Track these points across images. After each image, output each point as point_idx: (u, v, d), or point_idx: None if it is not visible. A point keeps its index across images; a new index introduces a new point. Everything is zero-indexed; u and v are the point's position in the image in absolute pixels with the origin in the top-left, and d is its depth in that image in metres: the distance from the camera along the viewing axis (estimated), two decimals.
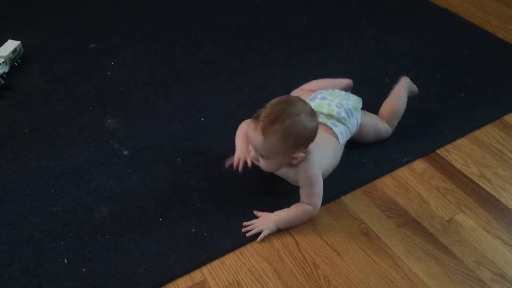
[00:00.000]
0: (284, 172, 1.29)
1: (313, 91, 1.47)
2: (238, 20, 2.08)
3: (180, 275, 1.16)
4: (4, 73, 1.67)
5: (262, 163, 1.23)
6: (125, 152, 1.46)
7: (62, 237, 1.22)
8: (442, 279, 1.17)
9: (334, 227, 1.28)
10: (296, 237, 1.26)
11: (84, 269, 1.15)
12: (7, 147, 1.46)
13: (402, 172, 1.43)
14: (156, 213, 1.28)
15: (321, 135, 1.28)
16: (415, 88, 1.60)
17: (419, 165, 1.46)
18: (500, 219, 1.31)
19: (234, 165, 1.30)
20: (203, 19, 2.08)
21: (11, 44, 1.73)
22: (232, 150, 1.34)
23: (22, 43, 1.78)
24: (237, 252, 1.22)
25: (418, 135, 1.55)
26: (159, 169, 1.40)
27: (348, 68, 1.83)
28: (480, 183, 1.41)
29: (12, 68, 1.72)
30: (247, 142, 1.29)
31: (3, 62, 1.67)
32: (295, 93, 1.49)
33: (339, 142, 1.34)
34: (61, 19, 2.06)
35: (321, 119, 1.34)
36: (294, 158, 1.20)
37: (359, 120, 1.41)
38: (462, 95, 1.71)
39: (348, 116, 1.37)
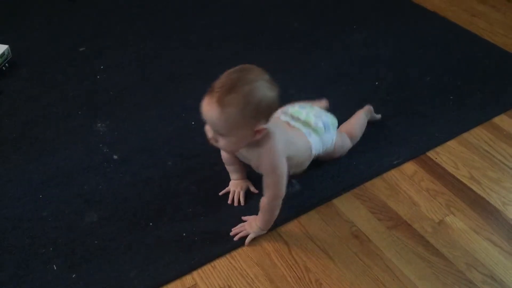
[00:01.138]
0: (246, 154, 1.19)
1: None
2: (228, 23, 2.08)
3: (171, 279, 1.15)
4: None
5: (222, 143, 1.12)
6: (115, 156, 1.45)
7: (51, 243, 1.20)
8: (432, 281, 1.17)
9: (325, 230, 1.28)
10: (287, 241, 1.25)
11: (73, 275, 1.14)
12: None
13: (393, 174, 1.44)
14: (147, 217, 1.28)
15: (292, 130, 1.27)
16: (374, 116, 1.59)
17: (409, 167, 1.46)
18: (490, 220, 1.32)
19: (229, 201, 1.32)
20: (193, 22, 2.08)
21: None
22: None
23: (10, 47, 1.76)
24: (228, 256, 1.21)
25: (408, 137, 1.55)
26: (150, 173, 1.40)
27: (338, 71, 1.84)
28: (470, 185, 1.41)
29: None
30: (240, 169, 1.31)
31: None
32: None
33: (311, 150, 1.30)
34: (49, 22, 2.04)
35: (296, 124, 1.29)
36: (256, 132, 1.10)
37: (333, 141, 1.37)
38: (451, 97, 1.72)
39: (325, 129, 1.33)
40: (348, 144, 1.45)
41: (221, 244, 1.23)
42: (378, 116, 1.60)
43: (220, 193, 1.34)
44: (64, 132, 1.53)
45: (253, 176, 1.33)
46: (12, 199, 1.31)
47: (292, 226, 1.29)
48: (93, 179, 1.38)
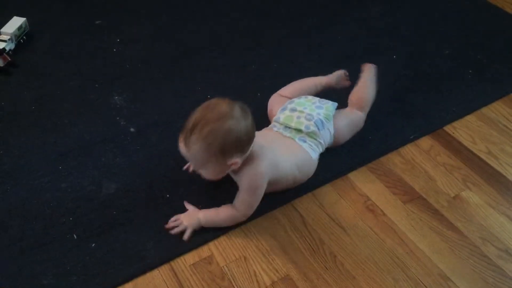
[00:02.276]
0: (232, 176, 1.22)
1: (288, 98, 1.40)
2: None
3: (188, 250, 1.18)
4: (10, 50, 1.67)
5: (202, 173, 1.19)
6: (132, 129, 1.46)
7: (71, 213, 1.23)
8: (447, 255, 1.18)
9: (340, 203, 1.29)
10: (302, 214, 1.26)
11: (93, 244, 1.16)
12: (15, 124, 1.46)
13: (409, 149, 1.43)
14: (163, 189, 1.29)
15: (284, 144, 1.26)
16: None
17: (425, 142, 1.45)
18: (506, 195, 1.31)
19: (185, 167, 1.32)
20: None
21: (17, 21, 1.72)
22: None
23: (27, 20, 1.77)
24: (243, 228, 1.23)
25: (425, 112, 1.54)
26: (166, 146, 1.41)
27: (355, 44, 1.81)
28: (487, 160, 1.40)
29: (18, 45, 1.71)
30: None
31: (9, 39, 1.67)
32: (272, 99, 1.44)
33: (311, 157, 1.28)
34: None
35: (288, 133, 1.29)
36: (231, 165, 1.12)
37: (332, 131, 1.34)
38: (470, 71, 1.69)
39: (319, 129, 1.30)
40: (359, 118, 1.42)
41: None
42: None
43: (184, 168, 1.32)
44: (81, 105, 1.54)
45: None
46: (32, 170, 1.33)
47: (306, 200, 1.30)
48: (110, 152, 1.39)
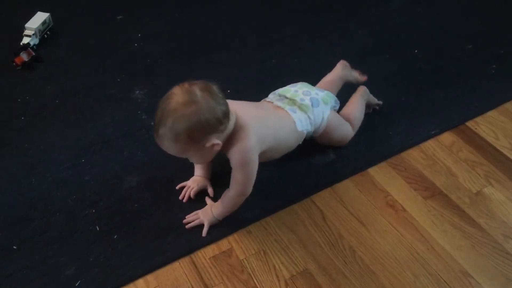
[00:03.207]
0: (227, 156, 1.18)
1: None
2: None
3: (208, 243, 1.19)
4: (34, 44, 1.70)
5: (190, 159, 1.17)
6: (153, 123, 1.47)
7: (94, 206, 1.25)
8: (468, 251, 1.17)
9: (359, 198, 1.29)
10: (321, 208, 1.26)
11: (115, 236, 1.18)
12: (39, 118, 1.49)
13: (430, 145, 1.42)
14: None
15: (274, 114, 1.24)
16: (373, 99, 1.49)
17: (447, 137, 1.44)
18: None
19: (180, 196, 1.27)
20: None
21: (41, 16, 1.75)
22: None
23: (51, 15, 1.80)
24: (263, 222, 1.24)
25: (447, 107, 1.52)
26: None
27: (375, 39, 1.80)
28: (510, 156, 1.38)
29: (41, 40, 1.74)
30: (206, 167, 1.29)
31: (33, 34, 1.70)
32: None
33: (296, 128, 1.24)
34: None
35: (280, 103, 1.27)
36: (212, 146, 1.09)
37: (326, 117, 1.30)
38: (493, 66, 1.66)
39: (313, 106, 1.27)
40: (348, 129, 1.37)
41: (256, 209, 1.25)
42: (379, 102, 1.50)
43: (177, 187, 1.29)
44: (103, 99, 1.56)
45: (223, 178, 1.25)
46: (56, 163, 1.36)
47: (326, 194, 1.30)
48: (132, 145, 1.41)
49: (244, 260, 1.16)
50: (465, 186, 1.31)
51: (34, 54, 1.66)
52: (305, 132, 1.27)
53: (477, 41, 1.77)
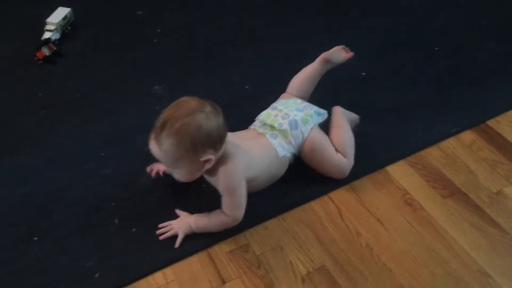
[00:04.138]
0: (209, 179, 1.22)
1: (293, 95, 1.38)
2: None
3: (225, 238, 1.19)
4: (56, 39, 1.72)
5: (175, 174, 1.17)
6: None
7: (113, 199, 1.26)
8: (487, 251, 1.16)
9: (377, 196, 1.28)
10: (339, 206, 1.26)
11: (134, 229, 1.20)
12: (60, 112, 1.51)
13: (450, 143, 1.40)
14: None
15: (257, 142, 1.23)
16: (352, 114, 1.40)
17: (467, 136, 1.42)
18: None
19: (147, 169, 1.29)
20: None
21: (62, 11, 1.77)
22: None
23: (72, 10, 1.81)
24: (280, 218, 1.24)
25: (467, 105, 1.51)
26: None
27: (394, 36, 1.79)
28: None
29: (62, 35, 1.76)
30: None
31: (54, 29, 1.72)
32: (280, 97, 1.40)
33: (278, 155, 1.23)
34: None
35: (262, 129, 1.27)
36: (205, 162, 1.11)
37: (306, 135, 1.27)
38: None
39: (291, 129, 1.26)
40: (339, 157, 1.28)
41: (272, 205, 1.25)
42: (357, 116, 1.40)
43: (147, 170, 1.30)
44: (122, 94, 1.58)
45: None
46: (76, 157, 1.38)
47: (343, 192, 1.29)
48: None
49: (261, 255, 1.16)
50: (485, 185, 1.30)
51: (55, 49, 1.68)
52: (288, 155, 1.26)
53: (499, 38, 1.75)
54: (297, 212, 1.25)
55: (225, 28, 1.84)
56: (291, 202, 1.27)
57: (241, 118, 1.36)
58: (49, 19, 1.74)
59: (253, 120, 1.36)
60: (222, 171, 1.14)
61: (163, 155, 1.10)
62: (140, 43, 1.78)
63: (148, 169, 1.30)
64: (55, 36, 1.72)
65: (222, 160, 1.14)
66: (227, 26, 1.85)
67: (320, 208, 1.26)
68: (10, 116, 1.49)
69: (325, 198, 1.28)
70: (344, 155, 1.30)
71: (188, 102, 1.11)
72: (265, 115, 1.32)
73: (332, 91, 1.52)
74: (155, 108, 1.52)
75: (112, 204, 1.25)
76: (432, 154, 1.38)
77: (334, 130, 1.33)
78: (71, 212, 1.24)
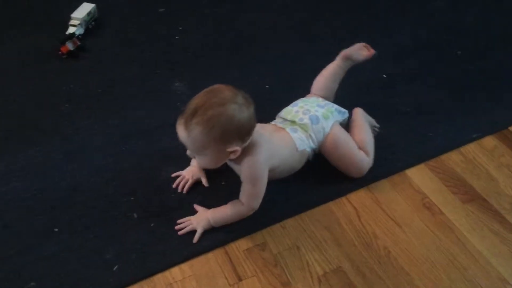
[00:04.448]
0: (232, 166, 1.21)
1: (318, 95, 1.38)
2: None
3: (242, 236, 1.20)
4: (79, 34, 1.74)
5: (198, 160, 1.17)
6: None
7: (132, 193, 1.28)
8: (507, 258, 1.14)
9: (396, 199, 1.27)
10: (356, 207, 1.26)
11: (152, 224, 1.21)
12: (83, 106, 1.53)
13: (471, 148, 1.39)
14: (221, 176, 1.31)
15: (278, 135, 1.23)
16: (370, 118, 1.40)
17: (489, 141, 1.41)
18: None
19: (174, 185, 1.28)
20: None
21: (86, 7, 1.79)
22: None
23: (96, 6, 1.83)
24: (297, 218, 1.24)
25: (489, 111, 1.49)
26: None
27: (417, 39, 1.77)
28: None
29: (86, 30, 1.79)
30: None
31: (79, 24, 1.74)
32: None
33: (296, 148, 1.23)
34: None
35: (282, 124, 1.27)
36: (230, 152, 1.11)
37: (327, 130, 1.27)
38: None
39: (312, 123, 1.25)
40: (360, 154, 1.29)
41: (290, 205, 1.26)
42: (376, 124, 1.39)
43: (173, 175, 1.30)
44: (144, 90, 1.59)
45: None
46: (97, 150, 1.39)
47: (361, 194, 1.29)
48: (170, 136, 1.40)
49: (278, 254, 1.16)
50: (506, 191, 1.28)
51: (79, 43, 1.70)
52: (308, 149, 1.26)
53: None
54: (314, 212, 1.25)
55: (247, 27, 1.85)
56: (309, 202, 1.27)
57: (257, 118, 1.35)
58: (74, 14, 1.76)
59: (271, 120, 1.36)
60: (247, 161, 1.13)
61: (190, 141, 1.09)
62: (162, 40, 1.79)
63: (175, 185, 1.29)
64: (79, 31, 1.74)
65: (247, 150, 1.13)
66: (249, 24, 1.86)
67: (337, 209, 1.25)
68: (34, 109, 1.52)
69: (343, 199, 1.28)
70: (366, 154, 1.30)
71: (222, 91, 1.09)
72: (285, 112, 1.31)
73: (353, 93, 1.52)
74: (176, 104, 1.53)
75: (132, 198, 1.27)
76: (453, 159, 1.37)
77: (356, 129, 1.34)
78: (91, 204, 1.26)
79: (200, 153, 1.13)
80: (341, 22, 1.86)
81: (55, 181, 1.31)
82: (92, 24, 1.81)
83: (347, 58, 1.39)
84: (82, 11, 1.77)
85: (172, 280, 1.11)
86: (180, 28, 1.84)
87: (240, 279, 1.12)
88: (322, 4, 1.95)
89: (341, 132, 1.30)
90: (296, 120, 1.27)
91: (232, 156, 1.12)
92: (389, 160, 1.36)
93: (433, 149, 1.39)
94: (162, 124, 1.47)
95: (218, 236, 1.19)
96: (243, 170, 1.15)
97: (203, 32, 1.82)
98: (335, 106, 1.34)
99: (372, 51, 1.40)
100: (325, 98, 1.37)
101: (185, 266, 1.14)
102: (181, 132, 1.10)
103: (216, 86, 1.12)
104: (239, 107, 1.08)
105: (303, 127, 1.26)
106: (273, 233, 1.21)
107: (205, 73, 1.65)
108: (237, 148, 1.10)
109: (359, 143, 1.31)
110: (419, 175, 1.33)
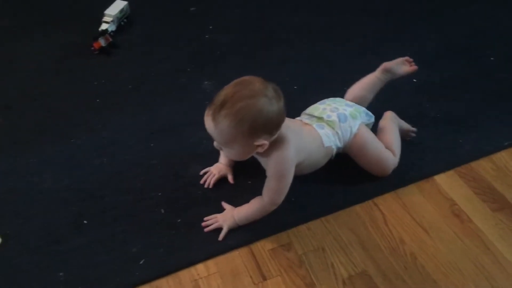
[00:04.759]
0: (260, 160, 1.20)
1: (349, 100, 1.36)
2: None
3: (267, 235, 1.20)
4: (112, 31, 1.77)
5: (225, 152, 1.15)
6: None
7: (160, 189, 1.29)
8: None
9: (424, 205, 1.26)
10: (384, 212, 1.25)
11: (179, 220, 1.22)
12: (113, 101, 1.55)
13: (502, 156, 1.37)
14: (247, 174, 1.32)
15: (305, 129, 1.22)
16: (405, 124, 1.38)
17: None
18: None
19: (201, 181, 1.29)
20: None
21: (119, 4, 1.82)
22: None
23: (128, 3, 1.86)
24: (323, 219, 1.23)
25: None
26: None
27: (449, 43, 1.75)
28: None
29: (118, 27, 1.81)
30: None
31: (111, 21, 1.77)
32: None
33: (323, 144, 1.22)
34: None
35: (309, 121, 1.25)
36: (258, 146, 1.09)
37: (354, 130, 1.25)
38: None
39: (340, 121, 1.24)
40: (387, 153, 1.28)
41: (316, 206, 1.25)
42: (412, 128, 1.38)
43: (201, 172, 1.31)
44: (173, 87, 1.61)
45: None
46: (126, 145, 1.41)
47: (389, 198, 1.28)
48: (198, 134, 1.43)
49: (303, 255, 1.16)
50: None
51: (111, 40, 1.73)
52: (333, 147, 1.24)
53: None
54: (341, 215, 1.24)
55: (277, 27, 1.85)
56: (335, 204, 1.26)
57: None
58: (107, 11, 1.79)
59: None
60: (275, 155, 1.12)
61: (217, 133, 1.08)
62: (192, 38, 1.81)
63: (202, 181, 1.30)
64: (111, 27, 1.77)
65: (276, 144, 1.12)
66: (279, 24, 1.86)
67: (364, 213, 1.25)
68: (67, 103, 1.55)
69: (369, 202, 1.27)
70: (393, 153, 1.29)
71: (252, 83, 1.07)
72: (312, 108, 1.30)
73: (383, 97, 1.50)
74: (204, 103, 1.51)
75: (159, 194, 1.28)
76: (483, 166, 1.35)
77: (383, 130, 1.33)
78: (120, 199, 1.27)
79: (227, 146, 1.11)
80: (373, 25, 1.85)
81: (85, 174, 1.33)
82: (124, 21, 1.84)
83: (387, 71, 1.38)
84: (115, 8, 1.80)
85: (197, 276, 1.12)
86: (210, 27, 1.85)
87: (264, 279, 1.12)
88: (353, 6, 1.94)
89: (368, 133, 1.29)
90: (324, 116, 1.26)
91: (260, 150, 1.10)
92: (418, 165, 1.34)
93: (463, 156, 1.37)
94: (191, 122, 1.48)
95: (243, 235, 1.19)
96: (269, 164, 1.14)
97: (233, 32, 1.83)
98: (363, 108, 1.33)
99: (414, 67, 1.39)
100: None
101: (210, 263, 1.15)
102: (209, 123, 1.08)
103: (247, 77, 1.09)
104: (269, 100, 1.05)
105: (330, 124, 1.24)
106: (298, 234, 1.21)
107: (234, 73, 1.62)
108: (265, 142, 1.08)
109: (385, 143, 1.30)
110: (448, 182, 1.31)
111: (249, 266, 1.14)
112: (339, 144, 1.26)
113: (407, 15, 1.90)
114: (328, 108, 1.28)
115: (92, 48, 1.71)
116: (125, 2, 1.83)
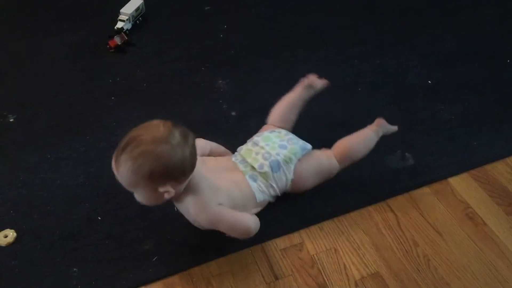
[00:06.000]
0: (177, 206, 1.14)
1: (276, 126, 1.31)
2: None
3: (279, 235, 1.20)
4: (127, 29, 1.78)
5: (135, 195, 1.08)
6: (233, 113, 1.51)
7: None
8: None
9: (437, 208, 1.25)
10: (397, 214, 1.24)
11: None
12: (127, 99, 1.57)
13: None
14: None
15: (232, 177, 1.17)
16: (391, 127, 1.33)
17: None
18: None
19: None
20: None
21: (135, 3, 1.83)
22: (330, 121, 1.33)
23: (144, 2, 1.87)
24: (335, 220, 1.24)
25: None
26: None
27: (465, 46, 1.74)
28: None
29: (134, 26, 1.83)
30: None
31: (127, 19, 1.78)
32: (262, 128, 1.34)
33: (255, 199, 1.17)
34: None
35: (243, 167, 1.20)
36: (163, 193, 1.03)
37: (290, 176, 1.20)
38: None
39: (273, 171, 1.18)
40: (332, 166, 1.25)
41: (329, 206, 1.25)
42: (393, 128, 1.32)
43: None
44: (187, 86, 1.62)
45: None
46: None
47: (402, 200, 1.28)
48: (213, 132, 1.44)
49: (315, 255, 1.16)
50: None
51: (126, 38, 1.74)
52: (268, 198, 1.20)
53: None
54: (353, 215, 1.24)
55: (291, 28, 1.85)
56: (348, 205, 1.26)
57: (298, 120, 1.36)
58: (123, 9, 1.80)
59: (304, 120, 1.35)
60: (185, 206, 1.09)
61: (119, 177, 1.02)
62: (207, 37, 1.81)
63: None
64: (127, 26, 1.79)
65: (189, 191, 1.07)
66: (294, 25, 1.86)
67: (377, 214, 1.24)
68: (82, 100, 1.56)
69: (383, 204, 1.26)
70: (339, 159, 1.25)
71: (157, 128, 1.02)
72: (246, 152, 1.23)
73: (397, 99, 1.50)
74: (218, 101, 1.55)
75: None
76: (498, 169, 1.34)
77: (354, 136, 1.29)
78: (133, 197, 1.28)
79: (131, 189, 1.06)
80: (388, 26, 1.84)
81: (100, 171, 1.34)
82: (139, 19, 1.85)
83: (309, 87, 1.36)
84: (131, 7, 1.81)
85: (210, 275, 1.13)
86: (225, 26, 1.86)
87: (276, 278, 1.12)
88: (368, 8, 1.93)
89: (306, 169, 1.23)
90: (256, 166, 1.19)
91: (167, 196, 1.04)
92: (432, 168, 1.34)
93: (477, 159, 1.36)
94: (205, 121, 1.49)
95: (256, 234, 1.20)
96: (190, 216, 1.10)
97: (248, 32, 1.84)
98: (300, 142, 1.26)
99: (325, 81, 1.36)
100: (285, 129, 1.31)
101: (222, 261, 1.15)
102: (112, 165, 1.03)
103: (154, 121, 1.04)
104: (171, 148, 1.00)
105: (263, 175, 1.19)
106: (311, 234, 1.21)
107: (248, 72, 1.66)
108: (170, 189, 1.02)
109: (340, 149, 1.26)
110: (462, 184, 1.30)
111: (261, 265, 1.15)
112: (275, 193, 1.21)
113: (423, 17, 1.88)
114: (261, 154, 1.21)
115: (108, 46, 1.72)
116: (141, 1, 1.84)
